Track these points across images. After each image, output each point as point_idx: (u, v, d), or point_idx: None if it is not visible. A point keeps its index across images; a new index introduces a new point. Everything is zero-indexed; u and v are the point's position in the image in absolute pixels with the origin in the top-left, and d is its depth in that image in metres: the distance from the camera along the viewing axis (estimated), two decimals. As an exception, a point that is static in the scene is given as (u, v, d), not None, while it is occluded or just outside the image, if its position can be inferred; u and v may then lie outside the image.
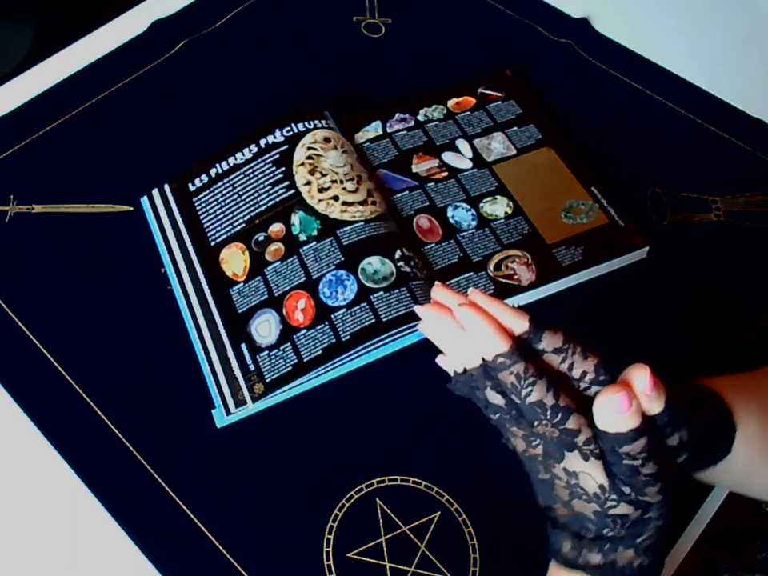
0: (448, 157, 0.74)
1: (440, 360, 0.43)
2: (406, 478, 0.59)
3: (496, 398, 0.40)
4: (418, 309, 0.43)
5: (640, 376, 0.38)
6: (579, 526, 0.40)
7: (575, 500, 0.39)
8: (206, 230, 0.69)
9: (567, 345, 0.40)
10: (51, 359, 0.63)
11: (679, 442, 0.40)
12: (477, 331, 0.40)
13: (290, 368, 0.60)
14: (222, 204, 0.69)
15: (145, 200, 0.72)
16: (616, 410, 0.37)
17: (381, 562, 0.55)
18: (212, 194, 0.70)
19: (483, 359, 0.40)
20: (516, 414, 0.40)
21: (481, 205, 0.70)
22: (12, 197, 0.73)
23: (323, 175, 0.68)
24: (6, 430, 0.61)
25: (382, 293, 0.61)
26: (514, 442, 0.41)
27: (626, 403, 0.37)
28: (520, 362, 0.39)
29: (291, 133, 0.71)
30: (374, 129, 0.76)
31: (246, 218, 0.68)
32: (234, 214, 0.69)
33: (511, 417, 0.40)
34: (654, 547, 0.40)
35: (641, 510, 0.39)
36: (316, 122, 0.72)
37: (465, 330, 0.40)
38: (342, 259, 0.63)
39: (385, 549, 0.56)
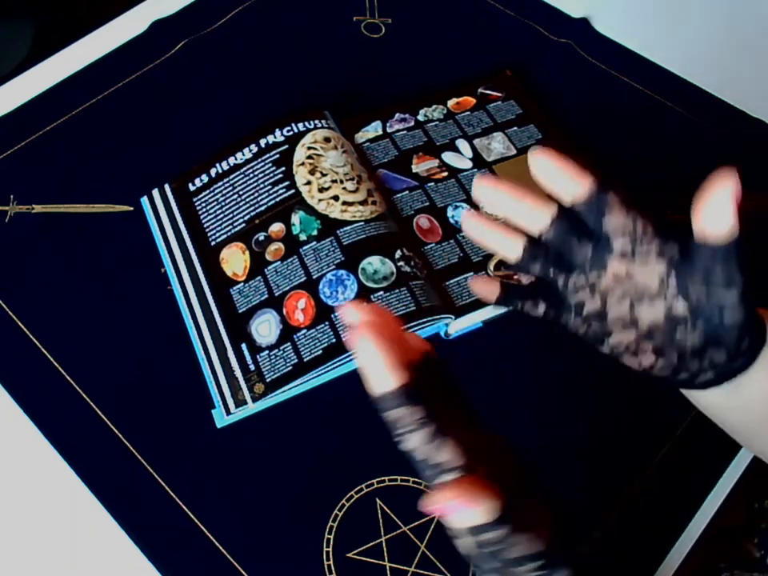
0: (448, 157, 0.74)
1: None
2: (406, 478, 0.59)
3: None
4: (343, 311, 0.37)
5: (729, 180, 0.38)
6: None
7: None
8: (206, 229, 0.69)
9: (630, 200, 0.39)
10: (51, 359, 0.63)
11: (742, 286, 0.39)
12: (372, 364, 0.35)
13: (291, 368, 0.60)
14: (222, 204, 0.69)
15: (145, 200, 0.72)
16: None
17: (381, 562, 0.55)
18: (212, 193, 0.70)
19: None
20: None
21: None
22: (12, 197, 0.73)
23: (323, 175, 0.68)
24: (6, 430, 0.61)
25: (382, 293, 0.61)
26: None
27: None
28: (408, 405, 0.35)
29: (291, 133, 0.71)
30: (373, 129, 0.76)
31: (246, 218, 0.68)
32: (234, 213, 0.69)
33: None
34: None
35: None
36: (316, 121, 0.72)
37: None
38: (343, 259, 0.63)
39: (385, 549, 0.56)
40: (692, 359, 0.42)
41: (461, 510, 0.33)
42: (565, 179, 0.41)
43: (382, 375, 0.35)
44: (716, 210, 0.38)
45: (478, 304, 0.64)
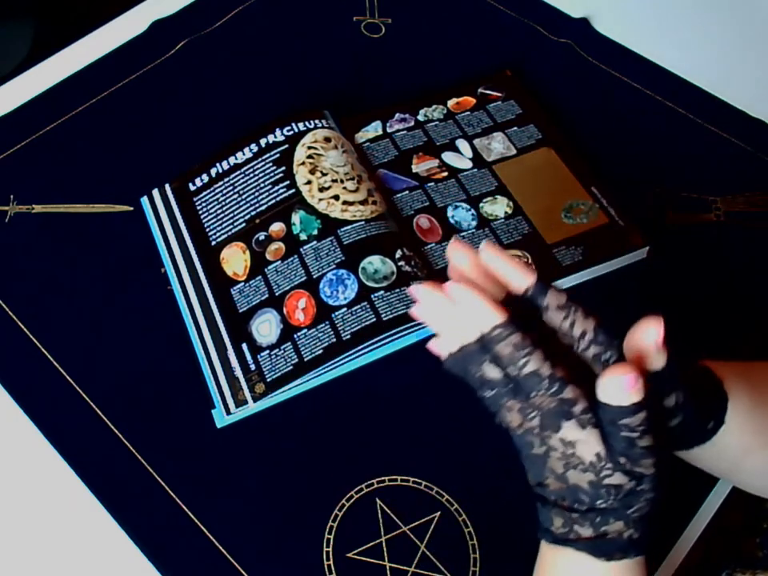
0: (448, 157, 0.74)
1: (432, 343, 0.43)
2: (406, 478, 0.59)
3: (493, 372, 0.41)
4: (413, 288, 0.43)
5: (653, 328, 0.39)
6: (572, 499, 0.40)
7: (570, 471, 0.40)
8: (207, 229, 0.69)
9: (570, 304, 0.41)
10: (51, 359, 0.63)
11: (675, 404, 0.41)
12: (472, 305, 0.40)
13: (291, 367, 0.60)
14: (223, 203, 0.69)
15: (145, 200, 0.72)
16: (622, 388, 0.38)
17: (381, 562, 0.55)
18: (212, 193, 0.70)
19: (481, 332, 0.40)
20: (512, 387, 0.40)
21: (481, 205, 0.70)
22: (12, 197, 0.73)
23: (324, 174, 0.68)
24: (6, 430, 0.61)
25: (382, 292, 0.61)
26: (508, 418, 0.41)
27: (632, 382, 0.37)
28: (517, 333, 0.39)
29: (291, 132, 0.71)
30: (374, 129, 0.76)
31: (246, 218, 0.68)
32: (235, 213, 0.69)
33: (507, 390, 0.40)
34: (643, 520, 0.40)
35: (635, 482, 0.39)
36: (316, 121, 0.72)
37: (458, 306, 0.41)
38: (343, 258, 0.63)
39: (385, 549, 0.56)
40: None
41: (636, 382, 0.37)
42: (510, 271, 0.42)
43: (490, 312, 0.40)
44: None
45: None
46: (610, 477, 0.39)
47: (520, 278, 0.42)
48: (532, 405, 0.40)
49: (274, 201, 0.68)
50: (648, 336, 0.39)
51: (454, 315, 0.41)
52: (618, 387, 0.38)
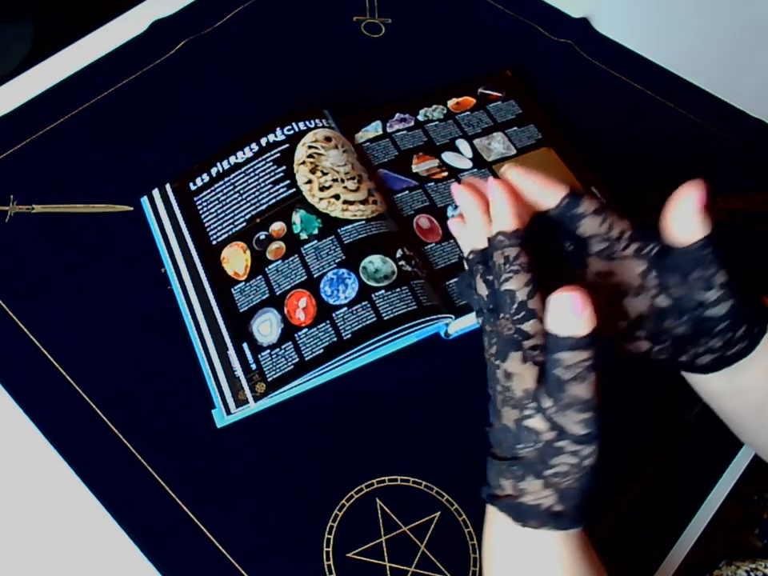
0: (448, 157, 0.74)
1: (453, 224, 0.45)
2: (406, 477, 0.59)
3: (482, 288, 0.41)
4: (454, 186, 0.44)
5: (690, 194, 0.39)
6: (502, 443, 0.40)
7: (504, 408, 0.39)
8: (207, 229, 0.69)
9: (605, 206, 0.41)
10: (51, 359, 0.63)
11: (723, 282, 0.40)
12: (495, 205, 0.41)
13: (292, 367, 0.60)
14: (223, 203, 0.69)
15: (145, 200, 0.72)
16: (568, 309, 0.36)
17: (381, 562, 0.55)
18: (213, 193, 0.70)
19: (488, 238, 0.41)
20: (491, 308, 0.40)
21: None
22: (12, 197, 0.73)
23: (324, 174, 0.68)
24: (6, 430, 0.61)
25: (383, 291, 0.61)
26: (485, 344, 0.41)
27: (579, 303, 0.36)
28: (515, 247, 0.39)
29: (292, 132, 0.71)
30: (374, 129, 0.76)
31: (247, 217, 0.68)
32: (235, 212, 0.69)
33: (488, 311, 0.40)
34: (568, 493, 0.39)
35: (555, 433, 0.38)
36: (317, 120, 0.72)
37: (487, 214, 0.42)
38: (344, 258, 0.63)
39: (385, 549, 0.56)
40: (687, 344, 0.42)
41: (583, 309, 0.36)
42: (540, 190, 0.42)
43: (505, 217, 0.40)
44: (680, 218, 0.39)
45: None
46: (530, 418, 0.38)
47: (553, 191, 0.41)
48: (496, 329, 0.40)
49: (274, 200, 0.68)
50: (686, 203, 0.39)
51: (480, 219, 0.42)
52: (564, 310, 0.36)
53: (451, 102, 0.79)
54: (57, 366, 0.63)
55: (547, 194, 0.42)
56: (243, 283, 0.65)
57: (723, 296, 0.41)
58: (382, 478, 0.59)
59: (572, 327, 0.36)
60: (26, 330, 0.65)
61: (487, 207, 0.43)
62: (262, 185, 0.69)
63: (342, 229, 0.65)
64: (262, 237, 0.67)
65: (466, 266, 0.44)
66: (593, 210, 0.41)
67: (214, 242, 0.68)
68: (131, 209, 0.72)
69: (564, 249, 0.43)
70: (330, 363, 0.59)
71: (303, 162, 0.69)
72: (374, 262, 0.63)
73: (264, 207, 0.68)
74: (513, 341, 0.39)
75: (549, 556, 0.40)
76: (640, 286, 0.42)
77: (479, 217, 0.43)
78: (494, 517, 0.42)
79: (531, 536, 0.40)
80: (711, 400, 0.48)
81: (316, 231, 0.65)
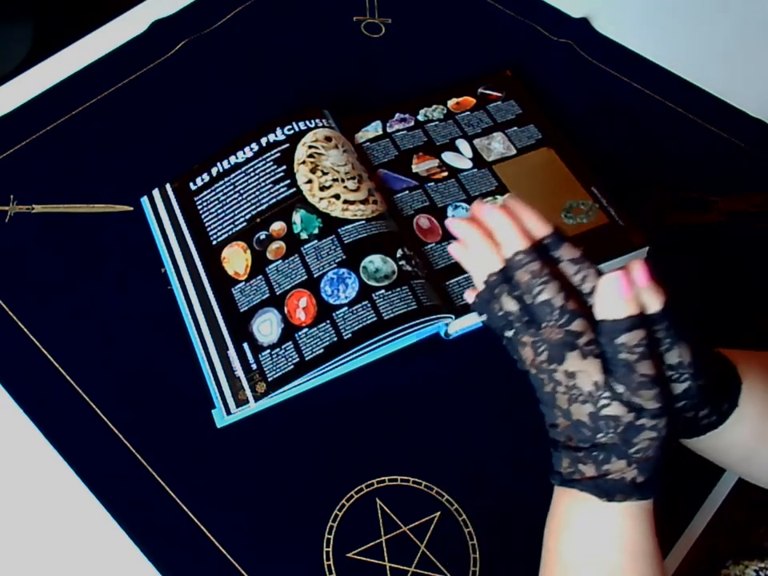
0: (448, 157, 0.74)
1: (467, 294, 0.46)
2: (406, 477, 0.59)
3: (510, 304, 0.42)
4: (449, 221, 0.46)
5: (636, 265, 0.40)
6: (577, 437, 0.40)
7: (573, 405, 0.40)
8: (208, 229, 0.69)
9: (583, 259, 0.42)
10: (51, 359, 0.63)
11: (679, 362, 0.41)
12: (502, 230, 0.43)
13: (292, 367, 0.60)
14: (224, 203, 0.69)
15: (145, 200, 0.72)
16: (616, 291, 0.39)
17: (381, 562, 0.55)
18: (213, 192, 0.70)
19: (504, 260, 0.42)
20: (527, 321, 0.41)
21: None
22: (12, 197, 0.73)
23: (324, 174, 0.68)
24: (6, 430, 0.61)
25: (383, 291, 0.61)
26: (524, 356, 0.42)
27: (624, 283, 0.39)
28: (536, 261, 0.41)
29: (292, 131, 0.71)
30: (374, 129, 0.76)
31: (247, 217, 0.68)
32: (236, 212, 0.69)
33: (522, 324, 0.42)
34: (648, 463, 0.40)
35: (634, 413, 0.39)
36: (317, 120, 0.72)
37: (482, 242, 0.44)
38: (344, 257, 0.63)
39: (385, 549, 0.56)
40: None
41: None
42: (529, 220, 0.44)
43: (516, 238, 0.42)
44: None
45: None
46: (607, 407, 0.39)
47: (540, 226, 0.43)
48: (541, 337, 0.41)
49: (274, 200, 0.68)
50: (634, 272, 0.40)
51: (485, 246, 0.44)
52: (613, 290, 0.39)
53: (451, 102, 0.79)
54: (57, 366, 0.63)
55: (537, 224, 0.43)
56: (243, 283, 0.65)
57: (679, 377, 0.42)
58: (382, 478, 0.58)
59: (622, 309, 0.39)
60: (25, 329, 0.65)
61: (487, 233, 0.44)
62: (263, 184, 0.69)
63: (343, 228, 0.65)
64: (263, 236, 0.66)
65: (478, 286, 0.45)
66: (569, 258, 0.42)
67: (215, 242, 0.68)
68: (131, 209, 0.72)
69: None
70: (330, 363, 0.59)
71: (303, 162, 0.69)
72: (375, 262, 0.63)
73: (264, 207, 0.68)
74: (565, 342, 0.40)
75: (635, 527, 0.41)
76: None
77: (486, 242, 0.44)
78: (569, 497, 0.42)
79: (616, 511, 0.41)
80: (696, 451, 0.49)
81: (316, 231, 0.65)
